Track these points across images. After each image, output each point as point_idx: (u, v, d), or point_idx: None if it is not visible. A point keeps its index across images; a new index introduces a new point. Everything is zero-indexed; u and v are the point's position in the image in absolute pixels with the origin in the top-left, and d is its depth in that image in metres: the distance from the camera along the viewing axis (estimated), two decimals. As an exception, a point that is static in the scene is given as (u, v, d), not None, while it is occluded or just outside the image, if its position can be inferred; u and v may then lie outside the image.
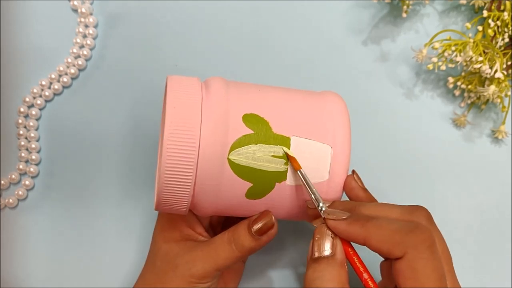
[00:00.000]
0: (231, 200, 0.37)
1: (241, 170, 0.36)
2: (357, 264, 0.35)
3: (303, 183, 0.36)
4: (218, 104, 0.36)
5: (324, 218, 0.35)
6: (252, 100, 0.37)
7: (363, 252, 0.35)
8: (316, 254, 0.34)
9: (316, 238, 0.35)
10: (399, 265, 0.34)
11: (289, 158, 0.36)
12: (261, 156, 0.36)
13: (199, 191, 0.36)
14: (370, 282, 0.35)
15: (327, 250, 0.34)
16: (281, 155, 0.36)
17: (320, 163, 0.37)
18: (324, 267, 0.34)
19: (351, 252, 0.35)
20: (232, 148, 0.36)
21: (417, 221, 0.35)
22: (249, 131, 0.36)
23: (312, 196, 0.36)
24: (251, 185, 0.36)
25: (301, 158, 0.37)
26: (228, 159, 0.36)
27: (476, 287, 0.47)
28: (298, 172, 0.36)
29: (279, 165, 0.36)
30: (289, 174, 0.37)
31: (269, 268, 0.48)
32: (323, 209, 0.35)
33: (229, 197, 0.37)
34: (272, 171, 0.36)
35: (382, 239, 0.34)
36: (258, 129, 0.36)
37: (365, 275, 0.35)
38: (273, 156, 0.36)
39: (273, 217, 0.38)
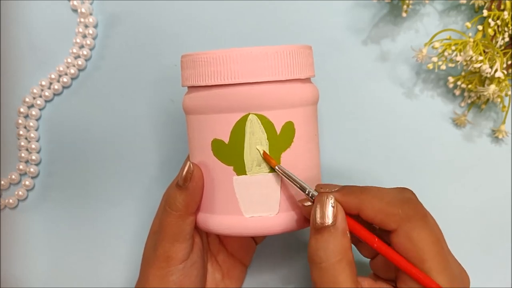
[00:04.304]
0: None
1: None
2: (361, 230, 0.35)
3: (285, 177, 0.37)
4: None
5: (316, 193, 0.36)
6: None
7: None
8: (318, 224, 0.34)
9: (317, 208, 0.35)
10: (396, 238, 0.35)
11: (264, 158, 0.37)
12: None
13: None
14: (378, 244, 0.35)
15: (328, 219, 0.34)
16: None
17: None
18: (327, 237, 0.34)
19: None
20: None
21: (408, 196, 0.36)
22: None
23: (297, 185, 0.36)
24: None
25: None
26: None
27: (476, 287, 0.47)
28: (277, 167, 0.37)
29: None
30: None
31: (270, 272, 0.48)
32: (311, 193, 0.36)
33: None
34: None
35: (377, 209, 0.35)
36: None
37: (375, 239, 0.35)
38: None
39: (189, 162, 0.38)
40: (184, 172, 0.38)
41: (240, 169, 0.37)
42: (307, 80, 0.39)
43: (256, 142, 0.37)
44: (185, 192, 0.38)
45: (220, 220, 0.38)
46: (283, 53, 0.36)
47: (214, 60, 0.36)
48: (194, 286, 0.40)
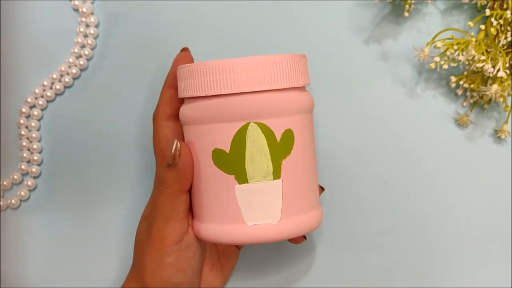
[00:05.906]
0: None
1: None
2: None
3: None
4: None
5: None
6: None
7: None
8: None
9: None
10: None
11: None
12: None
13: None
14: None
15: None
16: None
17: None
18: None
19: None
20: None
21: None
22: None
23: None
24: None
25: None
26: None
27: (476, 287, 0.47)
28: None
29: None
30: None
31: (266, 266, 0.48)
32: None
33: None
34: None
35: None
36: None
37: None
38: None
39: (176, 140, 0.39)
40: (172, 150, 0.38)
41: (242, 178, 0.37)
42: (303, 88, 0.40)
43: (257, 151, 0.37)
44: (175, 169, 0.38)
45: (223, 229, 0.38)
46: (281, 62, 0.37)
47: (213, 70, 0.37)
48: (191, 269, 0.40)
